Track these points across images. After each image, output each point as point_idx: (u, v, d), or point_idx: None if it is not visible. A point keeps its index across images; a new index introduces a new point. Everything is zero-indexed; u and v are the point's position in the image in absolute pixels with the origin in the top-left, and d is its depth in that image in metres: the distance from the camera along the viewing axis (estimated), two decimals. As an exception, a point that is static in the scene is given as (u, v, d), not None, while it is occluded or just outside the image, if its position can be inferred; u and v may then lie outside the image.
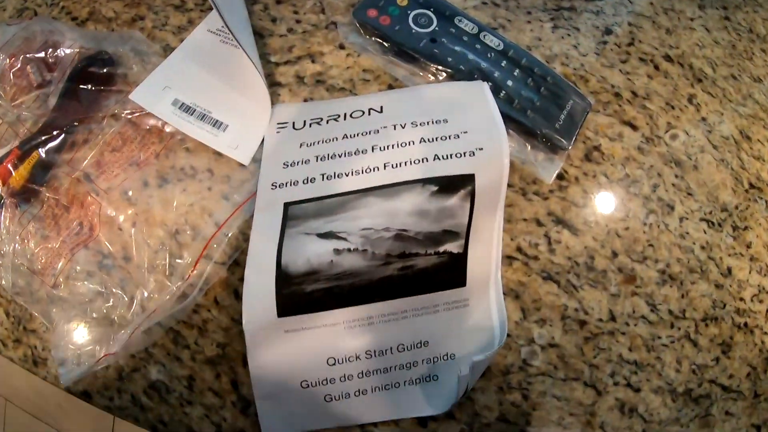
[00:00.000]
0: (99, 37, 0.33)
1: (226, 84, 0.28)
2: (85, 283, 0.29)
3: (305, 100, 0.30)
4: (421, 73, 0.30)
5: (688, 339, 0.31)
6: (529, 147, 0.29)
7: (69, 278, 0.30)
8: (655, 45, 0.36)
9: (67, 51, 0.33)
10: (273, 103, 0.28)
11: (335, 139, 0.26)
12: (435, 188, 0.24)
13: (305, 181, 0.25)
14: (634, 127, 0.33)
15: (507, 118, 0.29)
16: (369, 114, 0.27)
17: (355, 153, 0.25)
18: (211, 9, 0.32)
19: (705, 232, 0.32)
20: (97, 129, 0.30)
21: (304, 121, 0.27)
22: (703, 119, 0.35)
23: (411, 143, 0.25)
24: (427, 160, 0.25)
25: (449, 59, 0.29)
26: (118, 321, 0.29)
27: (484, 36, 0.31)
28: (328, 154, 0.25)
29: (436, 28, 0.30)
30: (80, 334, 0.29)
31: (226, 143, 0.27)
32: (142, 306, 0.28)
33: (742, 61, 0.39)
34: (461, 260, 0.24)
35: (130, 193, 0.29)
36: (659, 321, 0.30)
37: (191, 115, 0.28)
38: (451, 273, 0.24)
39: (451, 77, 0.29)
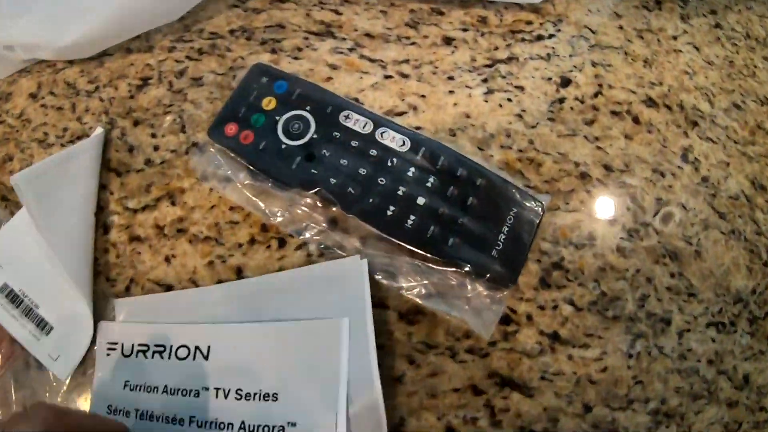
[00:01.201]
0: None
1: (62, 273, 0.20)
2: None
3: (167, 259, 0.20)
4: (301, 205, 0.19)
5: (697, 486, 0.20)
6: (456, 285, 0.18)
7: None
8: (632, 87, 0.23)
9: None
10: (111, 311, 0.20)
11: (156, 390, 0.19)
12: None
13: None
14: (610, 220, 0.21)
15: (420, 254, 0.19)
16: (194, 358, 0.19)
17: (172, 421, 0.19)
18: (73, 142, 0.23)
19: (713, 341, 0.21)
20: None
21: (132, 346, 0.20)
22: (704, 180, 0.22)
23: (230, 426, 0.18)
24: None
25: (332, 181, 0.19)
26: None
27: (383, 134, 0.20)
28: (148, 413, 0.19)
29: (314, 136, 0.20)
30: None
31: (47, 351, 0.19)
32: None
33: (744, 81, 0.26)
34: None
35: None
36: (656, 477, 0.19)
37: (17, 306, 0.20)
38: None
39: (335, 205, 0.19)
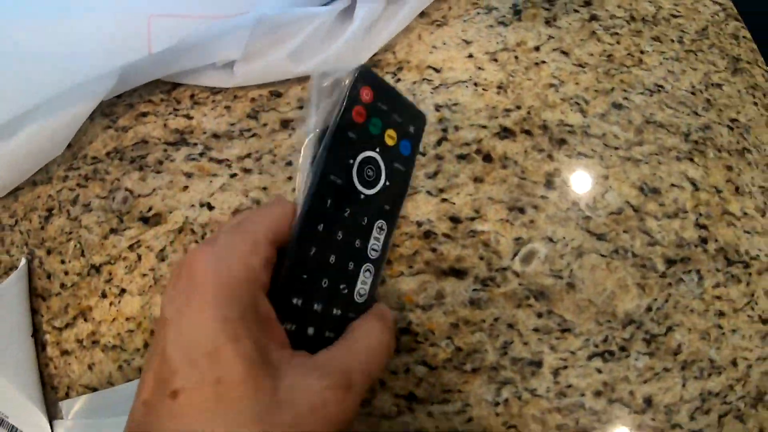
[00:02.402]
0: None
1: (15, 395, 0.24)
2: None
3: (89, 367, 0.24)
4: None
5: None
6: None
7: None
8: (482, 122, 0.23)
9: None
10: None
11: None
12: None
13: None
14: (460, 274, 0.21)
15: None
16: None
17: None
18: (7, 274, 0.27)
19: (599, 372, 0.20)
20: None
21: None
22: (575, 204, 0.21)
23: None
24: None
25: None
26: None
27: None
28: None
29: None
30: None
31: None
32: None
33: (628, 73, 0.23)
34: None
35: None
36: None
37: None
38: None
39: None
